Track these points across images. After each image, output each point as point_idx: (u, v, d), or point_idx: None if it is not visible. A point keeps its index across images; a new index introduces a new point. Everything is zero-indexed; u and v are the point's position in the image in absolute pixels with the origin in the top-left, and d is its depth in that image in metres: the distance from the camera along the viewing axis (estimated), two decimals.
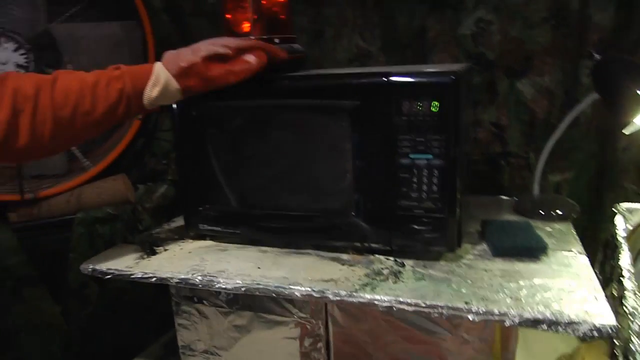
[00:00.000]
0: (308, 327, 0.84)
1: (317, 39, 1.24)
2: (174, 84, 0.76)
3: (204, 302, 0.90)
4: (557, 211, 0.95)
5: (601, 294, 0.67)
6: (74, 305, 1.13)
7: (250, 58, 0.78)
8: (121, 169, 1.19)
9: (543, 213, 0.95)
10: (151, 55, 1.13)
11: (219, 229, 0.91)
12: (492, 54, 1.12)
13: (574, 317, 0.61)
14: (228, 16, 0.90)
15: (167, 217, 1.16)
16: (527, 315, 0.63)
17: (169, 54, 0.78)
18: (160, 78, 0.75)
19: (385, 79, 0.73)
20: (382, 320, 0.78)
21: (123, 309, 1.16)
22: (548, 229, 0.90)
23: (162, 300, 0.99)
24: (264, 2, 0.89)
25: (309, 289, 0.72)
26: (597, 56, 0.91)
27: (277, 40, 0.88)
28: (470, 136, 1.11)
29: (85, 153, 1.16)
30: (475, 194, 1.11)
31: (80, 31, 1.07)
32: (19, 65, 1.04)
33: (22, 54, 1.04)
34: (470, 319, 0.65)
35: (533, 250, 0.78)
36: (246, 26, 0.89)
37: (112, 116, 0.74)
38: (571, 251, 0.80)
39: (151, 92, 0.75)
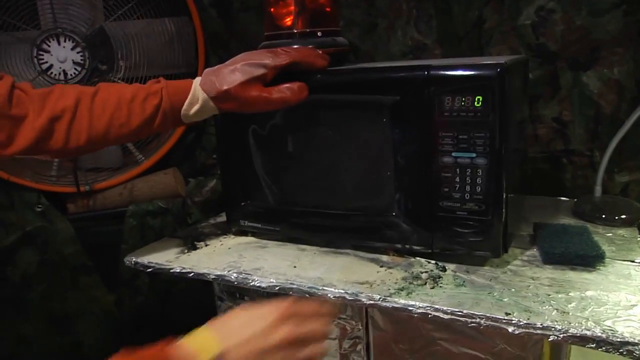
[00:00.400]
0: (348, 328, 0.81)
1: (370, 32, 1.21)
2: (211, 105, 0.76)
3: (246, 297, 0.89)
4: (621, 215, 0.87)
5: None
6: (125, 294, 1.17)
7: (288, 91, 0.76)
8: (172, 163, 1.21)
9: (605, 217, 0.87)
10: (201, 51, 1.14)
11: (259, 225, 0.90)
12: (554, 45, 1.05)
13: (628, 337, 0.56)
14: (271, 10, 0.89)
15: (216, 211, 1.17)
16: (574, 331, 0.57)
17: (207, 73, 0.77)
18: (197, 98, 0.76)
19: (425, 73, 0.69)
20: (424, 325, 0.75)
21: (172, 301, 1.19)
22: (609, 234, 0.83)
23: (209, 294, 1.00)
24: None
25: (342, 291, 0.70)
26: None
27: (320, 34, 0.86)
28: (526, 133, 1.04)
29: (139, 147, 1.19)
30: (533, 195, 1.04)
31: (133, 28, 1.09)
32: (75, 63, 1.08)
33: (79, 52, 1.08)
34: (510, 331, 0.60)
35: (588, 258, 0.72)
36: (288, 20, 0.87)
37: (146, 129, 0.76)
38: (634, 261, 0.73)
39: (188, 110, 0.76)
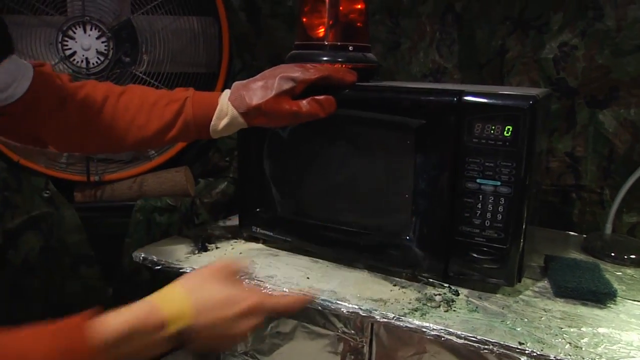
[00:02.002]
0: (351, 343, 0.81)
1: (392, 50, 1.22)
2: (240, 121, 0.76)
3: None
4: (631, 255, 0.88)
5: None
6: (125, 289, 1.15)
7: (317, 104, 0.76)
8: (185, 161, 1.21)
9: (614, 255, 0.88)
10: (225, 52, 1.14)
11: (270, 233, 0.90)
12: (574, 81, 1.06)
13: None
14: (304, 19, 0.89)
15: (224, 214, 1.17)
16: None
17: (237, 87, 0.77)
18: (226, 112, 0.75)
19: (457, 98, 0.70)
20: (430, 347, 0.75)
21: None
22: (619, 273, 0.84)
23: None
24: (342, 8, 0.87)
25: (356, 307, 0.70)
26: None
27: (351, 48, 0.86)
28: (542, 165, 1.05)
29: None
30: (540, 226, 1.05)
31: (159, 23, 1.10)
32: (99, 52, 1.08)
33: (104, 42, 1.08)
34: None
35: (600, 295, 0.72)
36: (321, 31, 0.88)
37: (165, 136, 0.76)
38: None
39: (217, 124, 0.76)
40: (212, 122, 0.76)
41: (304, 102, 0.76)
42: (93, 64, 1.08)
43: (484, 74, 1.15)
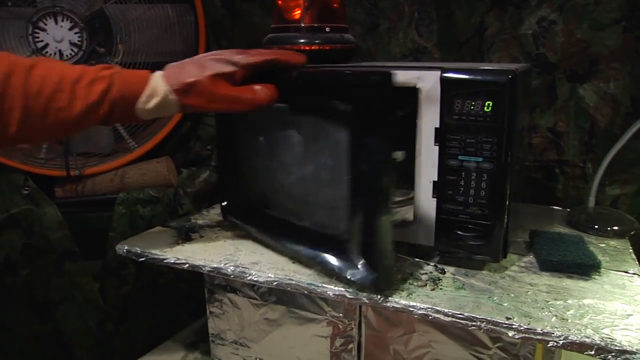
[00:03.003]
0: (340, 327, 0.81)
1: (371, 32, 1.21)
2: (173, 99, 0.69)
3: (237, 292, 0.88)
4: (614, 227, 0.88)
5: None
6: (111, 283, 1.14)
7: (260, 92, 0.72)
8: (166, 152, 1.20)
9: (598, 228, 0.89)
10: (202, 40, 1.12)
11: (240, 223, 0.89)
12: (553, 56, 1.06)
13: (627, 346, 0.56)
14: (279, 2, 0.88)
15: (208, 203, 1.16)
16: (574, 337, 0.58)
17: (172, 67, 0.72)
18: (157, 91, 0.69)
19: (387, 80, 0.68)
20: (418, 327, 0.75)
21: (158, 292, 1.17)
22: (602, 245, 0.84)
23: (197, 286, 0.99)
24: None
25: (342, 289, 0.69)
26: None
27: (328, 29, 0.85)
28: (525, 141, 1.05)
29: (132, 134, 1.17)
30: (525, 202, 1.06)
31: (133, 12, 1.07)
32: (72, 44, 1.06)
33: (77, 33, 1.05)
34: (510, 335, 0.61)
35: (585, 267, 0.73)
36: (297, 13, 0.87)
37: (91, 118, 0.67)
38: (627, 272, 0.75)
39: (146, 104, 0.69)
40: (141, 101, 0.68)
41: (245, 88, 0.72)
42: (67, 55, 1.06)
43: (464, 52, 1.15)
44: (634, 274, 0.74)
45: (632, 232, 0.88)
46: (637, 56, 1.00)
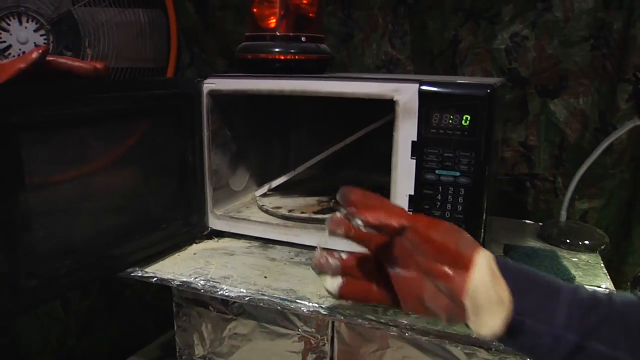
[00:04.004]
0: (312, 342, 0.79)
1: (345, 43, 1.20)
2: None
3: (207, 306, 0.86)
4: (585, 241, 0.89)
5: None
6: (74, 296, 1.10)
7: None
8: None
9: (569, 242, 0.89)
10: (173, 46, 1.10)
11: None
12: (525, 71, 1.08)
13: None
14: (254, 10, 0.86)
15: None
16: None
17: None
18: None
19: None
20: (392, 342, 0.74)
21: (123, 305, 1.13)
22: (574, 259, 0.85)
23: (163, 299, 0.96)
24: None
25: (317, 306, 0.68)
26: None
27: (303, 39, 0.84)
28: (498, 155, 1.06)
29: None
30: (496, 216, 1.06)
31: (103, 16, 1.04)
32: (37, 46, 1.01)
33: (42, 35, 1.01)
34: (487, 353, 0.60)
35: None
36: (272, 22, 0.85)
37: None
38: (599, 287, 0.75)
39: None
40: None
41: None
42: None
43: (437, 65, 1.16)
44: (606, 288, 0.74)
45: (602, 247, 0.89)
46: (605, 73, 1.02)
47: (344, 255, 0.56)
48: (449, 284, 0.47)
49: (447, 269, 0.47)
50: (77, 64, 0.67)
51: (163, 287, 0.84)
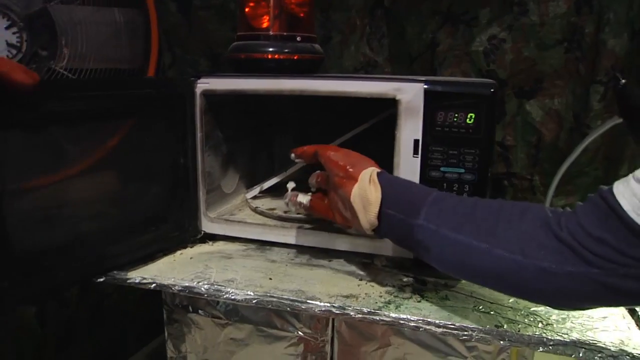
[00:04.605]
0: (312, 343, 0.78)
1: (323, 44, 1.20)
2: None
3: (200, 311, 0.83)
4: None
5: (632, 323, 0.65)
6: (50, 307, 1.04)
7: None
8: None
9: None
10: (154, 45, 1.06)
11: None
12: (503, 73, 1.11)
13: (610, 346, 0.59)
14: (246, 10, 0.85)
15: None
16: (564, 342, 0.59)
17: None
18: None
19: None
20: (394, 340, 0.74)
21: (104, 314, 1.08)
22: None
23: (147, 307, 0.92)
24: None
25: (328, 305, 0.67)
26: (623, 80, 0.90)
27: (299, 38, 0.84)
28: None
29: None
30: None
31: (80, 14, 1.00)
32: (10, 45, 0.96)
33: (15, 33, 0.96)
34: (501, 345, 0.61)
35: None
36: (265, 21, 0.84)
37: None
38: None
39: None
40: None
41: None
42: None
43: (415, 67, 1.17)
44: None
45: None
46: (578, 75, 1.06)
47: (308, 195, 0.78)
48: (343, 190, 0.65)
49: (341, 180, 0.66)
50: (17, 73, 0.55)
51: (146, 294, 0.81)
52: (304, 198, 0.78)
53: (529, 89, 1.10)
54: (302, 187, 0.83)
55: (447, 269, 0.60)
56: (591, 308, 0.56)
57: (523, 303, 0.68)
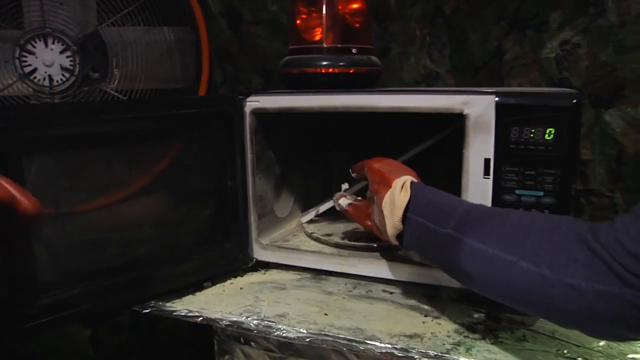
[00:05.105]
0: None
1: (382, 57, 1.14)
2: None
3: (252, 343, 0.78)
4: None
5: None
6: (103, 331, 1.03)
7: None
8: None
9: None
10: (205, 63, 1.04)
11: None
12: (577, 81, 1.01)
13: None
14: (298, 22, 0.81)
15: None
16: None
17: None
18: None
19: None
20: None
21: (157, 340, 1.06)
22: None
23: (200, 334, 0.88)
24: (340, 7, 0.79)
25: (389, 346, 0.60)
26: None
27: (354, 50, 0.78)
28: None
29: None
30: None
31: (131, 35, 0.99)
32: (63, 68, 0.96)
33: (68, 57, 0.96)
34: None
35: None
36: (318, 34, 0.79)
37: None
38: None
39: None
40: None
41: None
42: (57, 81, 0.96)
43: (481, 78, 1.09)
44: None
45: None
46: None
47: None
48: (378, 196, 0.64)
49: (378, 186, 0.65)
50: (19, 195, 0.45)
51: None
52: (344, 201, 0.78)
53: (607, 97, 1.00)
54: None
55: (471, 284, 0.55)
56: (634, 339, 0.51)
57: (617, 348, 0.59)
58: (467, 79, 1.10)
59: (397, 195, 0.60)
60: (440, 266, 0.60)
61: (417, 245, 0.60)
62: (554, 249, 0.47)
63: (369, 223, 0.70)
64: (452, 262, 0.55)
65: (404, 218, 0.59)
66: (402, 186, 0.61)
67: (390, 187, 0.62)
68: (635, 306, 0.42)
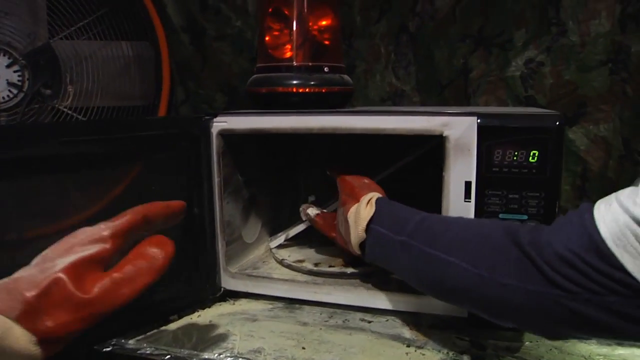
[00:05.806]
0: None
1: (347, 74, 1.12)
2: (19, 334, 0.41)
3: None
4: None
5: None
6: None
7: (153, 251, 0.50)
8: None
9: None
10: (166, 80, 0.99)
11: None
12: (543, 99, 1.02)
13: None
14: (267, 39, 0.77)
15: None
16: None
17: None
18: None
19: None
20: None
21: None
22: None
23: None
24: (311, 23, 0.76)
25: None
26: None
27: (326, 69, 0.75)
28: None
29: None
30: None
31: (86, 49, 0.93)
32: (11, 84, 0.89)
33: (16, 71, 0.89)
34: None
35: None
36: (288, 51, 0.76)
37: None
38: None
39: None
40: None
41: (124, 266, 0.49)
42: (3, 98, 0.88)
43: (447, 95, 1.09)
44: None
45: None
46: (626, 98, 0.97)
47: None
48: (345, 208, 0.67)
49: (347, 198, 0.68)
50: (171, 207, 0.55)
51: None
52: (313, 211, 0.81)
53: (571, 115, 1.01)
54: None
55: (425, 288, 0.59)
56: (573, 337, 0.55)
57: None
58: (433, 96, 1.10)
59: (363, 209, 0.62)
60: (397, 272, 0.63)
61: (378, 253, 0.62)
62: (491, 252, 0.49)
63: (334, 234, 0.74)
64: (407, 267, 0.58)
65: (368, 229, 0.61)
66: (368, 202, 0.63)
67: (358, 201, 0.64)
68: (563, 305, 0.44)
